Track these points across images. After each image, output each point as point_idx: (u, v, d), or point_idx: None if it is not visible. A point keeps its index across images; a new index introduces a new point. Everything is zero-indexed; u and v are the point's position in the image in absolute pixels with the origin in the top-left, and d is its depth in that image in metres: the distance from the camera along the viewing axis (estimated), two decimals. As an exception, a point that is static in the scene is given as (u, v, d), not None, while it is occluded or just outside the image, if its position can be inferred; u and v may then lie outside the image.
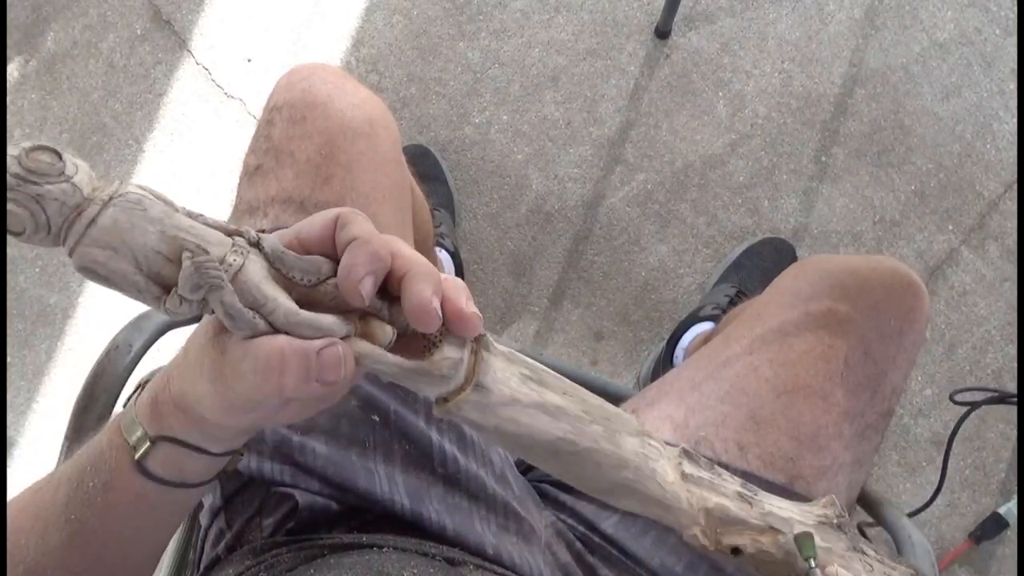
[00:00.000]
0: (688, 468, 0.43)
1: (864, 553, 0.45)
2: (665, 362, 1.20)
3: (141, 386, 0.43)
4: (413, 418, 0.61)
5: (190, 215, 0.34)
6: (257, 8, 1.37)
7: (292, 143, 0.65)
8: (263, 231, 0.36)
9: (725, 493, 0.43)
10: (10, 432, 1.28)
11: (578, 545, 0.65)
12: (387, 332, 0.35)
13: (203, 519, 0.63)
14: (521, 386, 0.37)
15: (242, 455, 0.44)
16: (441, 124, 1.33)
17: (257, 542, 0.58)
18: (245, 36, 1.36)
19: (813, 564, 0.40)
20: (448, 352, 0.35)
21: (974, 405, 0.72)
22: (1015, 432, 1.29)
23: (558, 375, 0.40)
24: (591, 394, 0.41)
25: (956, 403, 0.77)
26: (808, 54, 1.36)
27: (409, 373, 0.35)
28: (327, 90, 0.66)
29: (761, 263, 1.25)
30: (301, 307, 0.34)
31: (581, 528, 0.66)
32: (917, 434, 1.28)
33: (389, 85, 1.34)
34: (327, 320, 0.34)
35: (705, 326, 1.17)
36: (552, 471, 0.41)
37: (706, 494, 0.42)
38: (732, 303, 1.18)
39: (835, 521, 0.45)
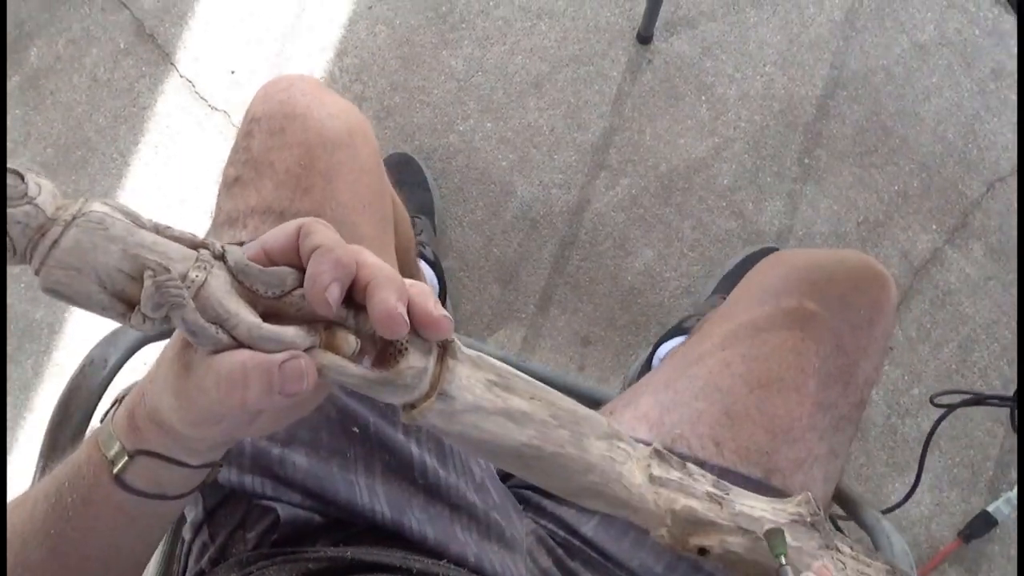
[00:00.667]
0: (657, 470, 0.43)
1: (838, 550, 0.45)
2: (646, 368, 1.20)
3: (118, 401, 0.44)
4: (392, 430, 0.61)
5: (157, 228, 0.34)
6: (240, 20, 1.37)
7: (271, 154, 0.65)
8: (241, 243, 0.36)
9: (694, 494, 0.43)
10: (-3, 448, 1.28)
11: (559, 551, 0.65)
12: (351, 342, 0.35)
13: (186, 533, 0.63)
14: (486, 393, 0.37)
15: (221, 467, 0.44)
16: (426, 132, 1.34)
17: (242, 555, 0.58)
18: (228, 48, 1.36)
19: (783, 561, 0.40)
20: (413, 361, 0.35)
21: (950, 408, 0.73)
22: (1003, 430, 1.29)
23: (528, 379, 0.40)
24: (562, 396, 0.41)
25: (936, 405, 0.77)
26: (789, 57, 1.37)
27: (373, 384, 0.35)
28: (306, 101, 0.66)
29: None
30: (267, 318, 0.34)
31: (562, 533, 0.66)
32: (904, 433, 1.29)
33: (373, 94, 1.34)
34: (290, 333, 0.34)
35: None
36: (518, 474, 0.41)
37: (673, 495, 0.42)
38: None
39: (809, 519, 0.45)
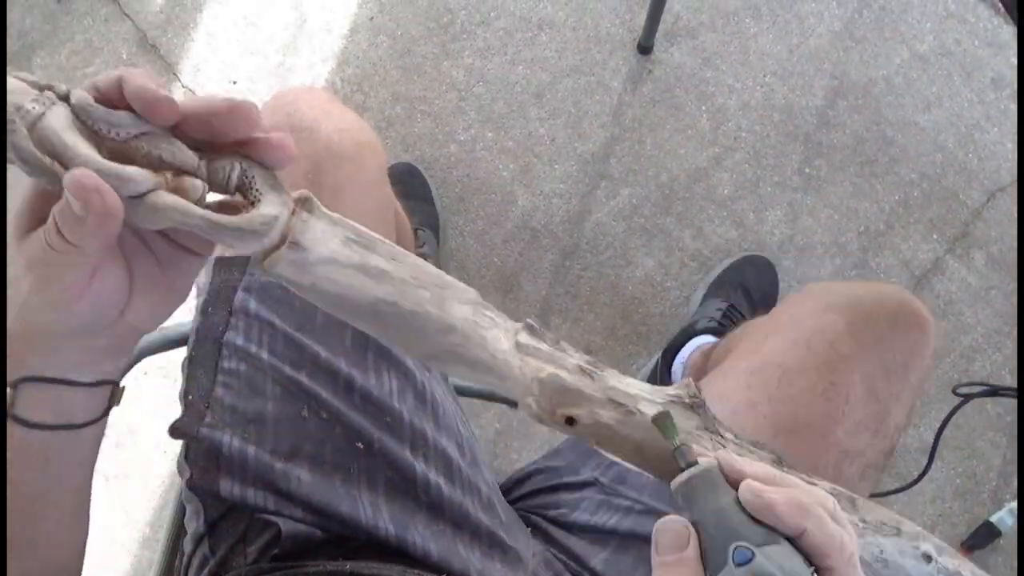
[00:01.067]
0: (525, 339, 0.42)
1: (719, 435, 0.44)
2: (663, 376, 1.20)
3: None
4: (398, 446, 0.60)
5: (16, 76, 0.34)
6: (242, 31, 1.38)
7: None
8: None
9: (564, 366, 0.41)
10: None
11: (569, 573, 0.64)
12: (198, 187, 0.35)
13: (186, 546, 0.63)
14: (343, 248, 0.38)
15: (119, 386, 0.44)
16: (426, 143, 1.34)
17: (242, 569, 0.57)
18: (230, 59, 1.37)
19: (677, 443, 0.38)
20: (265, 209, 0.36)
21: (967, 397, 0.73)
22: (1004, 440, 1.29)
23: (396, 246, 0.40)
24: (430, 266, 0.41)
25: (958, 395, 0.77)
26: (790, 67, 1.37)
27: (220, 228, 0.35)
28: (313, 114, 0.66)
29: (742, 278, 1.25)
30: (115, 151, 0.35)
31: (572, 564, 0.65)
32: (907, 444, 1.28)
33: (374, 105, 1.35)
34: (131, 170, 0.34)
35: (704, 339, 1.17)
36: (376, 334, 0.41)
37: (542, 364, 0.41)
38: (726, 315, 1.18)
39: (687, 401, 0.43)
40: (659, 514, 0.64)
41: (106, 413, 0.43)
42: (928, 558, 0.48)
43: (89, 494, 0.46)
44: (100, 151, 0.34)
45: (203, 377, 0.62)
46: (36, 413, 0.39)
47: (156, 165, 0.35)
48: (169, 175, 0.35)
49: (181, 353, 1.34)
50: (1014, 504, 1.23)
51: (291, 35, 1.37)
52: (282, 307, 0.61)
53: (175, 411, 0.63)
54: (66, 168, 0.33)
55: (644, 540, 0.62)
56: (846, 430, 0.63)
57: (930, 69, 1.38)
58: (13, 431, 0.38)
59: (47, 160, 0.33)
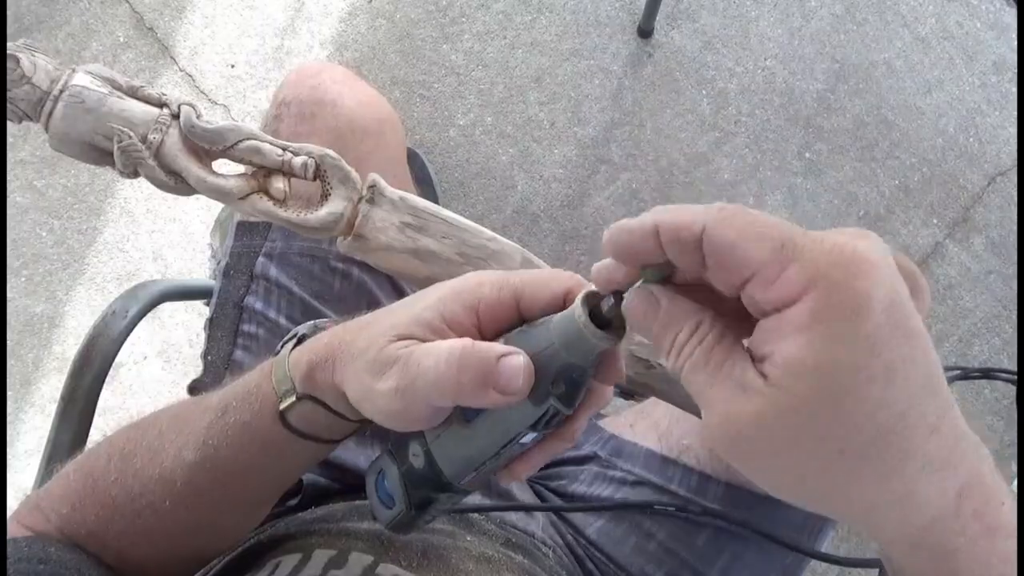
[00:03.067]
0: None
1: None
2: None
3: (296, 337, 0.44)
4: None
5: (131, 89, 0.41)
6: (239, 14, 1.37)
7: (299, 139, 0.66)
8: (191, 104, 0.42)
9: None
10: (-1, 443, 1.28)
11: (569, 537, 0.67)
12: (281, 189, 0.43)
13: None
14: (398, 234, 0.45)
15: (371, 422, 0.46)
16: (426, 127, 1.33)
17: None
18: (228, 42, 1.36)
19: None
20: (331, 207, 0.43)
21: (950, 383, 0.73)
22: (1002, 424, 1.30)
23: (449, 218, 0.46)
24: (478, 233, 0.46)
25: None
26: (790, 51, 1.36)
27: (297, 226, 0.43)
28: (337, 88, 0.66)
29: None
30: (218, 158, 0.42)
31: (570, 532, 0.68)
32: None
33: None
34: (231, 183, 0.42)
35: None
36: None
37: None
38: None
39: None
40: (649, 485, 0.65)
41: (348, 436, 0.45)
42: None
43: (284, 489, 0.48)
44: (203, 160, 0.42)
45: (223, 339, 0.64)
46: (299, 421, 0.42)
47: (249, 165, 0.43)
48: (261, 176, 0.43)
49: (182, 339, 1.34)
50: (1014, 485, 1.24)
51: (289, 18, 1.36)
52: (301, 274, 0.62)
53: (175, 395, 0.63)
54: (184, 181, 0.42)
55: (636, 511, 0.66)
56: None
57: (931, 52, 1.37)
58: (272, 424, 0.41)
59: (171, 181, 0.42)
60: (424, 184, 1.27)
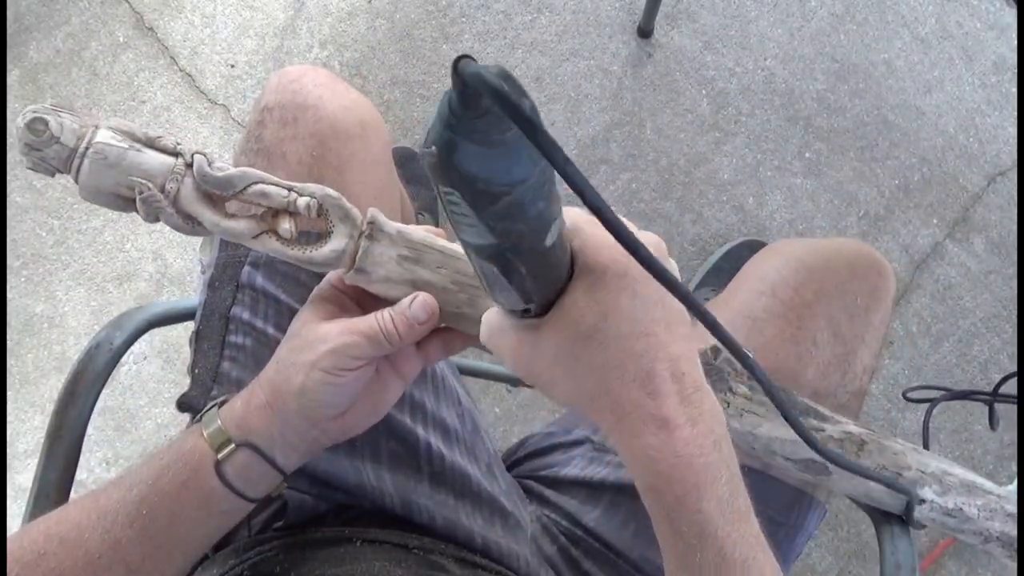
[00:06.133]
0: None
1: (732, 392, 0.52)
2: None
3: (216, 403, 0.50)
4: (399, 416, 0.61)
5: (148, 139, 0.45)
6: (239, 14, 1.37)
7: (283, 144, 0.65)
8: (204, 153, 0.46)
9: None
10: (-2, 443, 1.28)
11: (563, 539, 0.66)
12: (288, 230, 0.47)
13: None
14: (396, 267, 0.48)
15: (287, 484, 0.50)
16: (426, 127, 1.33)
17: (241, 541, 0.58)
18: (228, 42, 1.36)
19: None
20: (333, 245, 0.47)
21: (934, 401, 0.74)
22: (1002, 423, 1.29)
23: (444, 248, 0.49)
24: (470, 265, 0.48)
25: (909, 400, 0.78)
26: (790, 51, 1.36)
27: (303, 262, 0.47)
28: (318, 92, 0.66)
29: (739, 266, 1.25)
30: (230, 200, 0.46)
31: (565, 523, 0.67)
32: (905, 427, 1.29)
33: (373, 88, 1.34)
34: (241, 227, 0.46)
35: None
36: None
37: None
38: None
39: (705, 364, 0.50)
40: None
41: (264, 498, 0.49)
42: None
43: (208, 548, 0.51)
44: (216, 206, 0.46)
45: (210, 351, 0.62)
46: (234, 476, 0.46)
47: (258, 207, 0.47)
48: (269, 216, 0.47)
49: (181, 338, 1.34)
50: (1013, 486, 1.24)
51: (289, 18, 1.36)
52: (288, 282, 0.62)
53: (174, 395, 0.63)
54: (201, 224, 0.46)
55: (634, 494, 0.64)
56: (815, 372, 0.66)
57: (931, 52, 1.37)
58: (208, 480, 0.46)
59: (189, 226, 0.46)
60: (423, 185, 1.27)
